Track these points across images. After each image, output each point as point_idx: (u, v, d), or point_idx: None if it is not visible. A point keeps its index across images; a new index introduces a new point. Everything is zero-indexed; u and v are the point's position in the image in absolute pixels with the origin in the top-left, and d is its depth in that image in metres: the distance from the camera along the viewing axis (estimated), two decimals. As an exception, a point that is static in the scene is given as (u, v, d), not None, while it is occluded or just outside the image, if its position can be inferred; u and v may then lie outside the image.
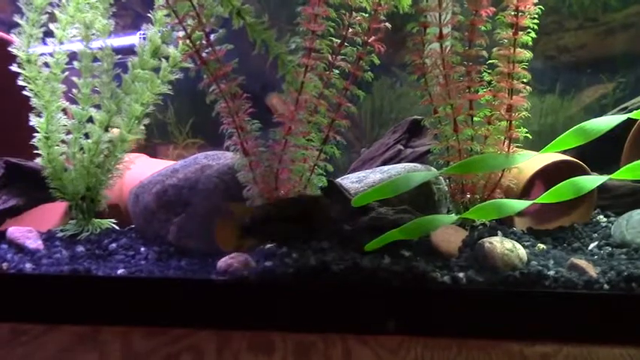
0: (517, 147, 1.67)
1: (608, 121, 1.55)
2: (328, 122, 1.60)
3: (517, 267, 1.45)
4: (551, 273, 1.43)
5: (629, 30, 2.24)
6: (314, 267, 1.48)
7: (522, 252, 1.48)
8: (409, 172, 1.76)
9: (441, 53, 1.57)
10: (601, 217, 1.80)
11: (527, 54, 1.60)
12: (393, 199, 1.58)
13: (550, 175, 1.72)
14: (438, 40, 1.57)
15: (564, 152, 2.07)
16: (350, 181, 1.77)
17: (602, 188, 1.77)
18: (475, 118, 1.68)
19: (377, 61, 1.59)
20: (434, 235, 1.57)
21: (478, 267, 1.47)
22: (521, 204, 1.47)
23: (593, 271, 1.43)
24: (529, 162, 1.68)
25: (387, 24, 1.57)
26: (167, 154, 2.41)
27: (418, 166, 1.79)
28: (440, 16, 1.56)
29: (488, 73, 1.67)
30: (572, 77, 2.27)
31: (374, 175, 1.77)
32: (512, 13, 1.56)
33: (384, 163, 1.89)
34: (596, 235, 1.69)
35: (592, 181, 1.45)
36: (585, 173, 1.69)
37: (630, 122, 1.75)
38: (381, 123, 2.30)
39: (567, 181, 1.46)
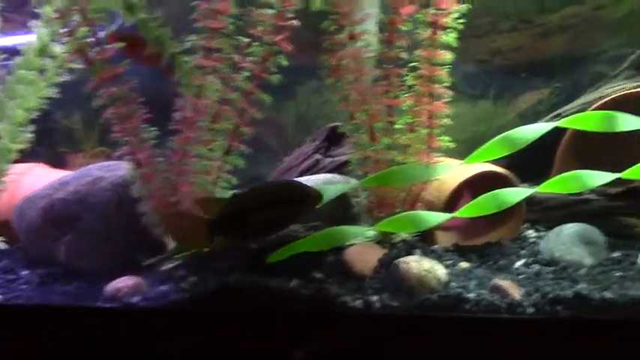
0: (441, 156, 1.54)
1: (535, 130, 1.45)
2: (231, 130, 1.45)
3: (435, 289, 1.33)
4: (472, 295, 1.31)
5: (566, 32, 2.14)
6: (213, 290, 1.33)
7: (441, 272, 1.36)
8: (325, 183, 1.62)
9: (353, 54, 1.43)
10: (530, 231, 1.69)
11: (449, 55, 1.47)
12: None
13: (477, 187, 1.60)
14: (349, 41, 1.43)
15: (496, 161, 1.96)
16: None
17: (531, 201, 1.66)
18: (398, 126, 1.56)
19: (284, 62, 1.45)
20: (347, 253, 1.44)
21: (394, 289, 1.34)
22: (440, 217, 1.35)
23: (516, 293, 1.32)
24: (454, 173, 1.56)
25: (295, 21, 1.42)
26: (76, 163, 2.24)
27: (336, 177, 1.65)
28: (351, 14, 1.42)
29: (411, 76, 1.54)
30: (507, 82, 2.16)
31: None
32: (432, 11, 1.44)
33: (302, 174, 1.75)
34: (524, 251, 1.58)
35: (515, 194, 1.34)
36: (512, 185, 1.57)
37: (564, 129, 1.65)
38: (307, 129, 2.16)
39: (489, 193, 1.34)
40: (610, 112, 1.44)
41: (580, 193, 1.65)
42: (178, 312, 1.32)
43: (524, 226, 1.71)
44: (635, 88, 1.82)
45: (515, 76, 2.16)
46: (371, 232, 1.54)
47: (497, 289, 1.33)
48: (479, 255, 1.56)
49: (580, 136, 1.65)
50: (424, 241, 1.56)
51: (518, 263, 1.51)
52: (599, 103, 1.71)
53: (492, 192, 1.34)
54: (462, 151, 1.57)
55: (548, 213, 1.68)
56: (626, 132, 1.46)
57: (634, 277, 1.40)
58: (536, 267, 1.48)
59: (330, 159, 1.73)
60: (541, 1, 2.13)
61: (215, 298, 1.32)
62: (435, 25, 1.44)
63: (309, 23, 1.49)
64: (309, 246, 1.35)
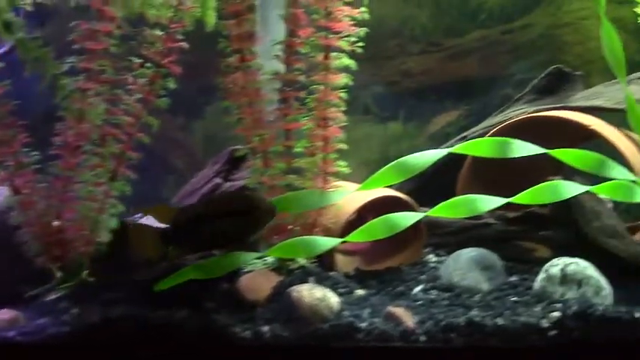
0: (341, 181, 1.52)
1: (429, 156, 1.44)
2: (117, 154, 1.39)
3: (327, 318, 1.30)
4: (364, 324, 1.28)
5: (474, 55, 2.16)
6: (95, 323, 1.27)
7: (334, 301, 1.33)
8: (224, 209, 1.58)
9: (243, 77, 1.39)
10: (431, 256, 1.68)
11: (344, 79, 1.45)
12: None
13: (377, 212, 1.59)
14: (239, 63, 1.39)
15: (405, 184, 1.95)
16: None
17: (433, 225, 1.65)
18: (299, 149, 1.53)
19: (172, 85, 1.40)
20: (240, 281, 1.40)
21: (285, 319, 1.30)
22: (331, 241, 1.32)
23: (410, 321, 1.30)
24: (352, 198, 1.54)
25: (184, 43, 1.38)
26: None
27: (235, 202, 1.61)
28: (243, 36, 1.38)
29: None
30: (417, 104, 2.16)
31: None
32: (324, 34, 1.41)
33: (202, 198, 1.70)
34: (424, 276, 1.56)
35: (405, 218, 1.32)
36: (412, 209, 1.56)
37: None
38: (217, 150, 2.12)
39: (379, 218, 1.32)
40: (503, 138, 1.44)
41: (480, 217, 1.65)
42: (57, 346, 1.25)
43: (426, 250, 1.69)
44: (535, 112, 1.84)
45: (425, 99, 2.17)
46: (270, 259, 1.51)
47: (390, 317, 1.31)
48: (379, 281, 1.54)
49: (481, 160, 1.65)
50: (323, 267, 1.53)
51: (417, 289, 1.50)
52: (496, 129, 1.72)
53: (383, 217, 1.32)
54: (372, 173, 1.55)
55: (449, 237, 1.67)
56: (525, 157, 1.47)
57: (528, 303, 1.40)
58: (434, 293, 1.47)
59: (230, 183, 1.68)
60: (449, 23, 2.15)
61: (97, 331, 1.25)
62: (328, 49, 1.41)
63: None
64: (198, 274, 1.30)
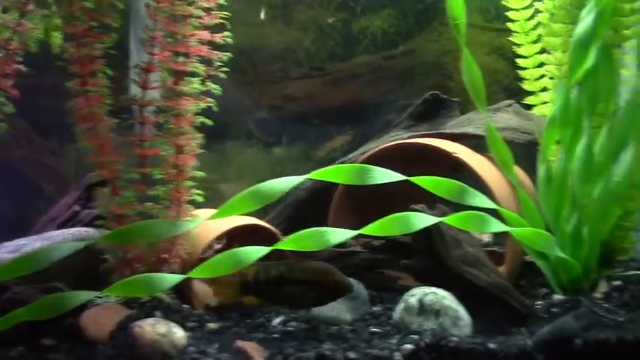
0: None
1: (285, 183, 1.39)
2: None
3: (170, 354, 1.23)
4: (210, 360, 1.22)
5: (358, 80, 2.15)
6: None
7: (179, 336, 1.26)
8: (77, 238, 1.50)
9: (84, 102, 1.32)
10: (299, 286, 1.64)
11: (194, 105, 1.40)
12: (45, 273, 1.32)
13: (239, 239, 1.54)
14: (80, 87, 1.32)
15: (286, 211, 1.92)
16: (6, 251, 1.48)
17: (300, 254, 1.61)
18: (159, 176, 1.46)
19: (11, 110, 1.32)
20: (84, 317, 1.32)
21: (127, 356, 1.23)
22: (174, 278, 1.26)
23: (259, 356, 1.24)
24: (211, 227, 1.49)
25: (21, 66, 1.30)
26: None
27: (90, 231, 1.53)
28: (83, 58, 1.31)
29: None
30: (300, 128, 2.13)
31: (35, 243, 1.50)
32: (175, 58, 1.36)
33: (60, 226, 1.62)
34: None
35: (251, 253, 1.27)
36: (274, 237, 1.52)
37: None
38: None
39: (225, 253, 1.28)
40: (363, 165, 1.41)
41: (347, 246, 1.62)
42: None
43: (293, 280, 1.65)
44: (409, 138, 1.83)
45: (308, 123, 2.14)
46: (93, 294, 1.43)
47: (239, 352, 1.25)
48: (239, 313, 1.48)
49: (351, 189, 1.63)
50: (181, 299, 1.47)
51: (276, 320, 1.45)
52: (365, 155, 1.70)
53: (229, 251, 1.27)
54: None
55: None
56: (393, 185, 1.45)
57: (387, 334, 1.37)
58: (293, 324, 1.43)
59: (88, 211, 1.61)
60: (333, 48, 2.13)
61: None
62: (178, 73, 1.36)
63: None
64: (32, 314, 1.21)
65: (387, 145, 1.72)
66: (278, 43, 2.07)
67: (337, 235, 1.29)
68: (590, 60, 1.48)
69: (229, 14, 1.41)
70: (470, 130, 1.78)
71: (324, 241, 1.29)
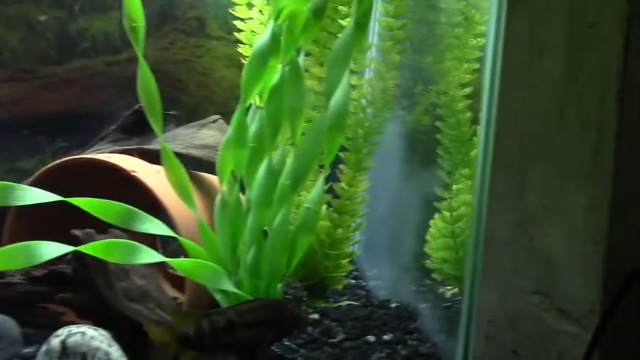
0: None
1: None
2: None
3: None
4: None
5: (74, 86, 1.94)
6: None
7: None
8: None
9: None
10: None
11: None
12: None
13: None
14: None
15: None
16: None
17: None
18: None
19: None
20: None
21: None
22: None
23: None
24: None
25: None
26: None
27: None
28: None
29: None
30: (5, 137, 1.88)
31: None
32: None
33: None
34: None
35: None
36: None
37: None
38: None
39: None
40: (5, 183, 1.22)
41: (3, 276, 1.40)
42: None
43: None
44: (112, 152, 1.66)
45: (15, 132, 1.90)
46: None
47: None
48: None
49: (24, 209, 1.41)
50: None
51: None
52: (41, 170, 1.50)
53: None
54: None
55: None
56: (71, 206, 1.26)
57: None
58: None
59: None
60: (45, 50, 1.90)
61: None
62: None
63: None
64: None
65: (66, 159, 1.52)
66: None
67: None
68: (272, 78, 1.37)
69: None
70: (171, 146, 1.62)
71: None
